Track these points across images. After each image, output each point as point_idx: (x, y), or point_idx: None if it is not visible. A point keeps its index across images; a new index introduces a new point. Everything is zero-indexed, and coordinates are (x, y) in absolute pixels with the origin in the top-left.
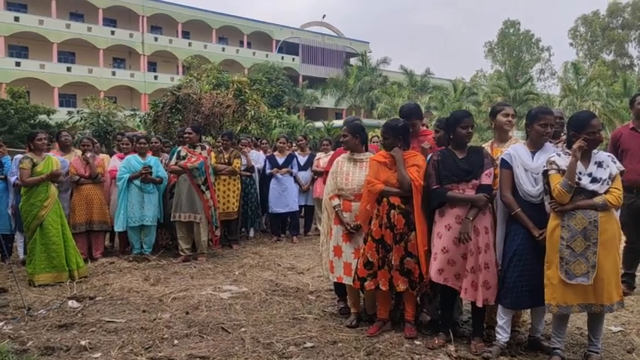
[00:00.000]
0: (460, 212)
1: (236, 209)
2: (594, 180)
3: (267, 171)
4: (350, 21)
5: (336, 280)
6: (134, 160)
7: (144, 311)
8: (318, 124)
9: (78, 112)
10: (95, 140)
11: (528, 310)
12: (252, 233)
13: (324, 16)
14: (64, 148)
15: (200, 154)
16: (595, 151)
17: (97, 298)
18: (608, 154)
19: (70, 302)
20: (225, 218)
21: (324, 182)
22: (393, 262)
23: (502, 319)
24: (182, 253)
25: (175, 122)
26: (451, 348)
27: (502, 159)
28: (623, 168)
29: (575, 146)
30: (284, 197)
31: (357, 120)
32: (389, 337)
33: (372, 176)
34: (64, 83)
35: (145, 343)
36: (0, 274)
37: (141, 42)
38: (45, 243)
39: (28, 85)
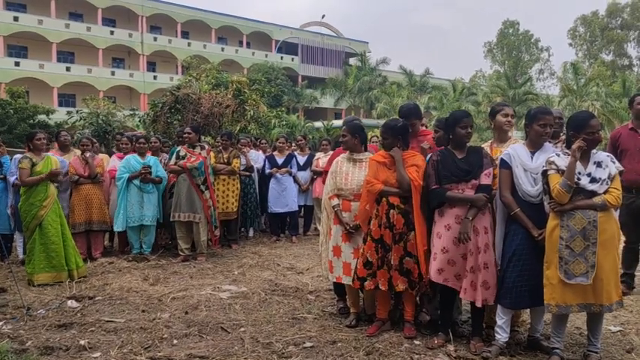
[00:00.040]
0: (459, 212)
1: (235, 209)
2: (593, 180)
3: (267, 171)
4: (349, 21)
5: (335, 280)
6: (133, 160)
7: (143, 311)
8: (318, 124)
9: (77, 111)
10: (94, 140)
11: (527, 310)
12: (251, 233)
13: (323, 16)
14: (64, 148)
15: (199, 154)
16: (594, 151)
17: (97, 298)
18: (607, 154)
19: (69, 302)
20: (224, 218)
21: (324, 182)
22: (392, 262)
23: (501, 319)
24: (181, 253)
25: (174, 122)
26: (450, 348)
27: (501, 159)
28: (622, 168)
29: (574, 146)
30: (283, 197)
31: (356, 120)
32: (388, 337)
33: (372, 176)
34: (63, 83)
35: (144, 342)
36: None
37: (140, 42)
38: (44, 243)
39: (27, 85)
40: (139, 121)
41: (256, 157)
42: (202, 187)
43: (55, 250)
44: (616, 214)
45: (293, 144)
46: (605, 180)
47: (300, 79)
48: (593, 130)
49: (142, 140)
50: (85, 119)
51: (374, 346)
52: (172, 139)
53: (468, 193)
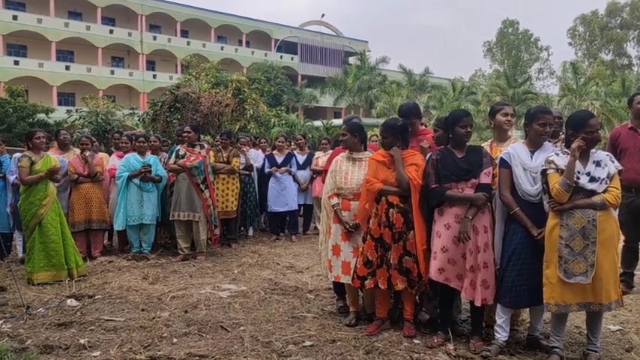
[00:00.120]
0: (459, 211)
1: (235, 208)
2: (593, 179)
3: (266, 170)
4: (349, 21)
5: (334, 280)
6: (133, 159)
7: (143, 310)
8: (317, 123)
9: (77, 110)
10: (94, 139)
11: (527, 309)
12: (251, 232)
13: (322, 15)
14: (63, 147)
15: (199, 153)
16: (593, 150)
17: (96, 297)
18: (607, 153)
19: (68, 301)
20: (224, 217)
21: (323, 181)
22: (391, 261)
23: (501, 318)
24: (181, 252)
25: (174, 121)
26: (450, 347)
27: (501, 158)
28: (621, 167)
29: (573, 145)
30: (283, 196)
31: (355, 119)
32: (388, 336)
33: (371, 175)
34: (62, 82)
35: (144, 341)
36: None
37: (139, 41)
38: (44, 241)
39: (26, 84)
40: (139, 120)
41: (256, 156)
42: (202, 186)
43: (55, 249)
44: (615, 213)
45: (292, 143)
46: (604, 179)
47: (299, 78)
48: (593, 130)
49: (141, 139)
50: (84, 118)
51: (373, 345)
52: (172, 138)
53: (468, 193)
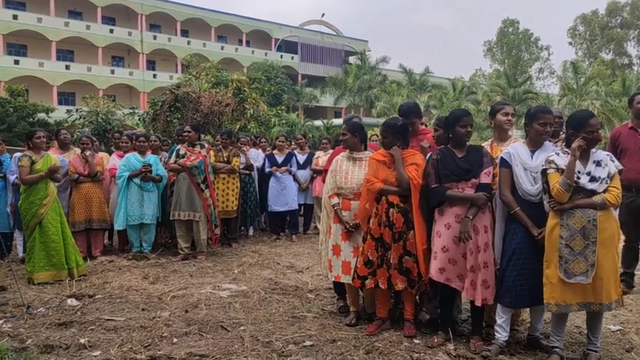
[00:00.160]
0: (459, 211)
1: (235, 208)
2: (593, 179)
3: (267, 169)
4: (349, 21)
5: (334, 280)
6: (134, 159)
7: (143, 309)
8: (317, 122)
9: (77, 110)
10: (94, 138)
11: (527, 309)
12: (251, 232)
13: (323, 14)
14: (63, 147)
15: (199, 152)
16: (594, 150)
17: (97, 297)
18: (607, 153)
19: (69, 300)
20: (224, 217)
21: (323, 181)
22: (391, 261)
23: (501, 318)
24: (181, 252)
25: (174, 121)
26: (450, 347)
27: (501, 158)
28: (621, 167)
29: (574, 145)
30: (283, 196)
31: (356, 118)
32: (388, 336)
33: (371, 175)
34: (62, 81)
35: (144, 341)
36: None
37: (140, 40)
38: (44, 241)
39: (26, 84)
40: (139, 119)
41: (256, 156)
42: (202, 186)
43: (55, 249)
44: (616, 212)
45: (293, 143)
46: (604, 179)
47: (299, 78)
48: (593, 129)
49: (142, 139)
50: (84, 118)
51: (374, 344)
52: (172, 137)
53: (468, 192)
